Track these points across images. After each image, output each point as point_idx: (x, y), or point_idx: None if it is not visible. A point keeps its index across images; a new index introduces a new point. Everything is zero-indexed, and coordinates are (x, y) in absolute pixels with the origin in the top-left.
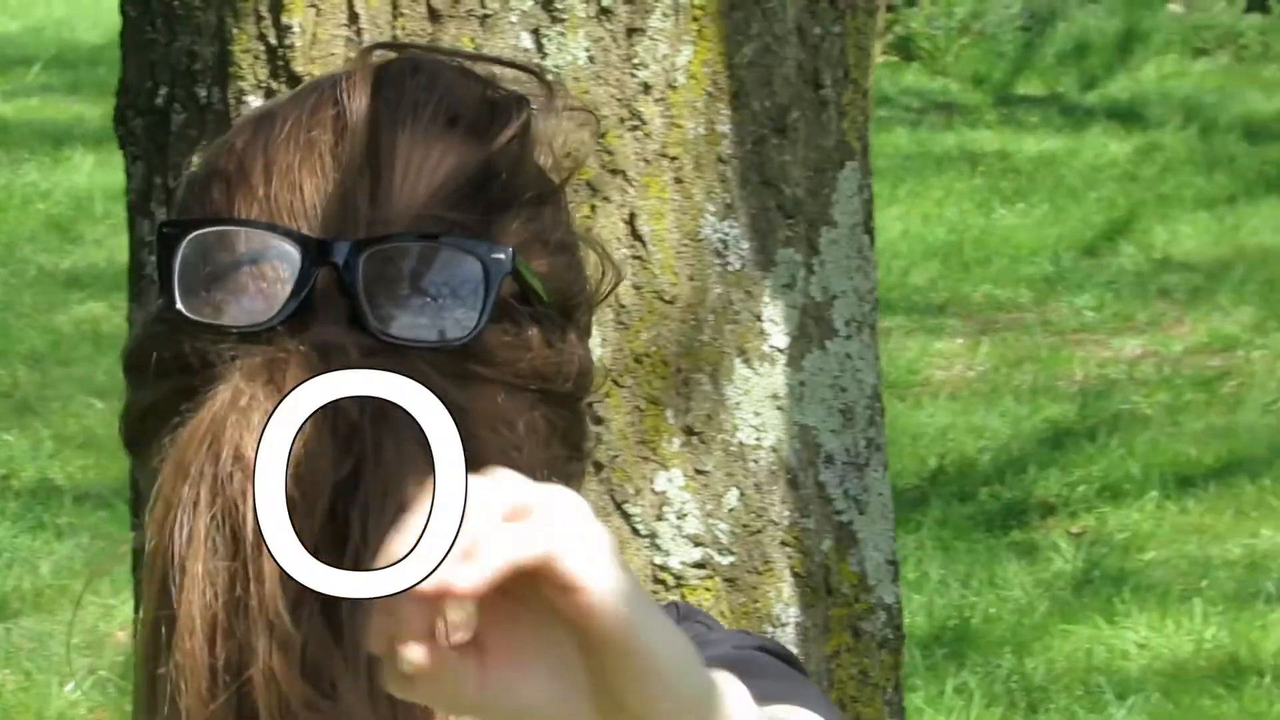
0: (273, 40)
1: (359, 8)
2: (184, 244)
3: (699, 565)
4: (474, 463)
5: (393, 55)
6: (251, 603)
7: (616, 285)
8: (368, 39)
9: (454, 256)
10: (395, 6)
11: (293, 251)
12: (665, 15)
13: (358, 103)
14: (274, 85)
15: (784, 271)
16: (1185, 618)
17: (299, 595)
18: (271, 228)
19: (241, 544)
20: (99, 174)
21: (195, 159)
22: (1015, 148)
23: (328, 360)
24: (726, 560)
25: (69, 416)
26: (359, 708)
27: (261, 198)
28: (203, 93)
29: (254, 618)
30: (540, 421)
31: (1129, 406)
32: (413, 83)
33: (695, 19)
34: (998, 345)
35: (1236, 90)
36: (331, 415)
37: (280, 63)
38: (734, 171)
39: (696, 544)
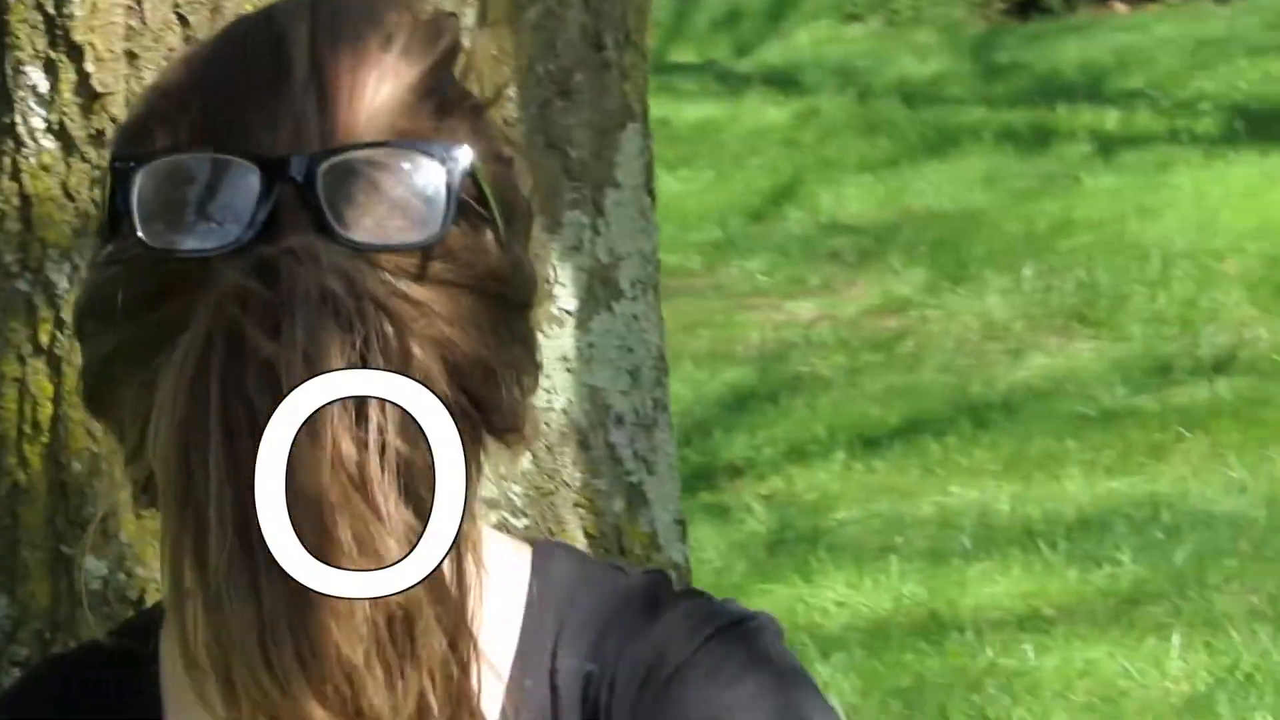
0: (50, 9)
1: None
2: (138, 177)
3: (495, 529)
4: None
5: None
6: (289, 491)
7: (534, 197)
8: (148, 9)
9: (412, 159)
10: None
11: (250, 172)
12: None
13: (296, 30)
14: (53, 55)
15: (571, 234)
16: (882, 575)
17: (332, 474)
18: (226, 151)
19: (262, 433)
20: None
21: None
22: (674, 115)
23: (304, 259)
24: (521, 523)
25: None
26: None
27: (208, 124)
28: None
29: (292, 505)
30: (502, 325)
31: (808, 369)
32: (346, 8)
33: None
34: (672, 311)
35: (890, 55)
36: (329, 302)
37: (59, 32)
38: (520, 135)
39: (491, 507)
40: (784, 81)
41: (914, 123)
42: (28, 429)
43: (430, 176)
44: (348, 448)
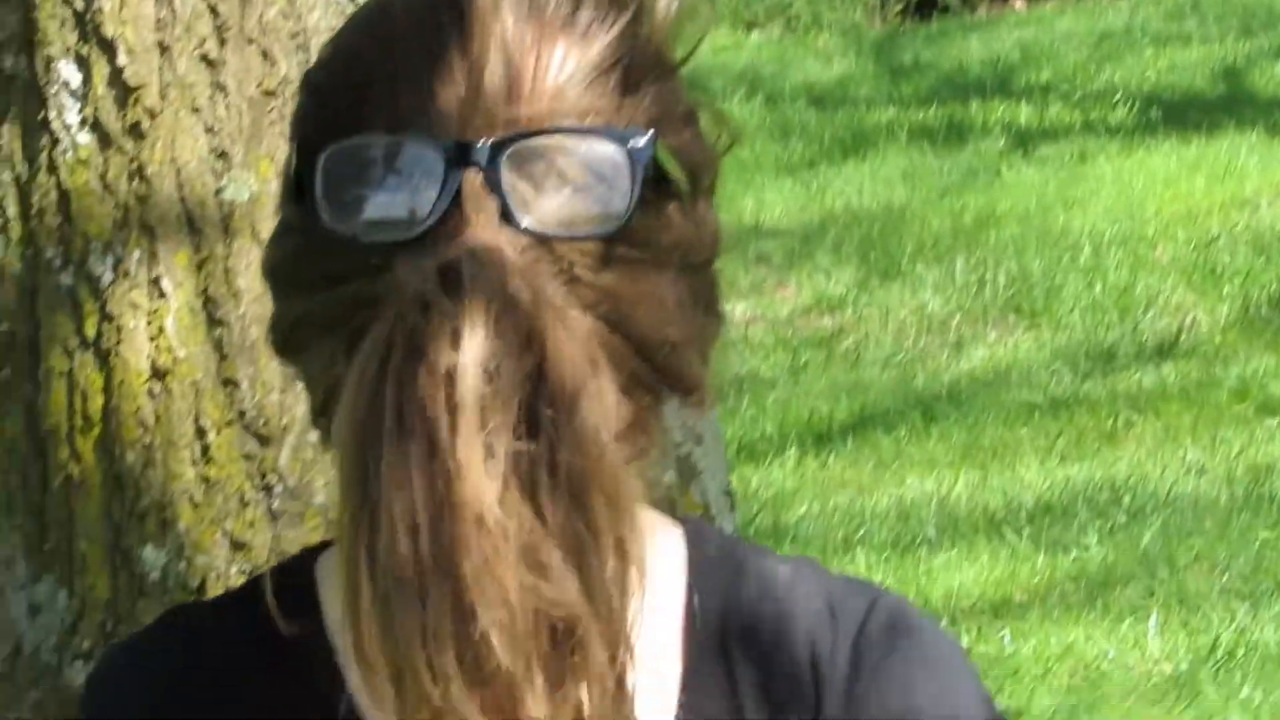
0: (79, 5)
1: None
2: (324, 157)
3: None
4: (633, 342)
5: None
6: (456, 499)
7: (732, 145)
8: (178, 0)
9: (595, 145)
10: None
11: (434, 156)
12: None
13: (481, 2)
14: (84, 50)
15: None
16: (850, 568)
17: (504, 485)
18: (412, 135)
19: (438, 447)
20: None
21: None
22: None
23: (486, 263)
24: None
25: None
26: (570, 585)
27: (393, 105)
28: (9, 62)
29: (460, 515)
30: (685, 293)
31: (748, 369)
32: None
33: None
34: None
35: (794, 60)
36: (509, 314)
37: (90, 26)
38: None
39: None
40: (690, 89)
41: (826, 125)
42: (79, 422)
43: (612, 160)
44: (519, 458)
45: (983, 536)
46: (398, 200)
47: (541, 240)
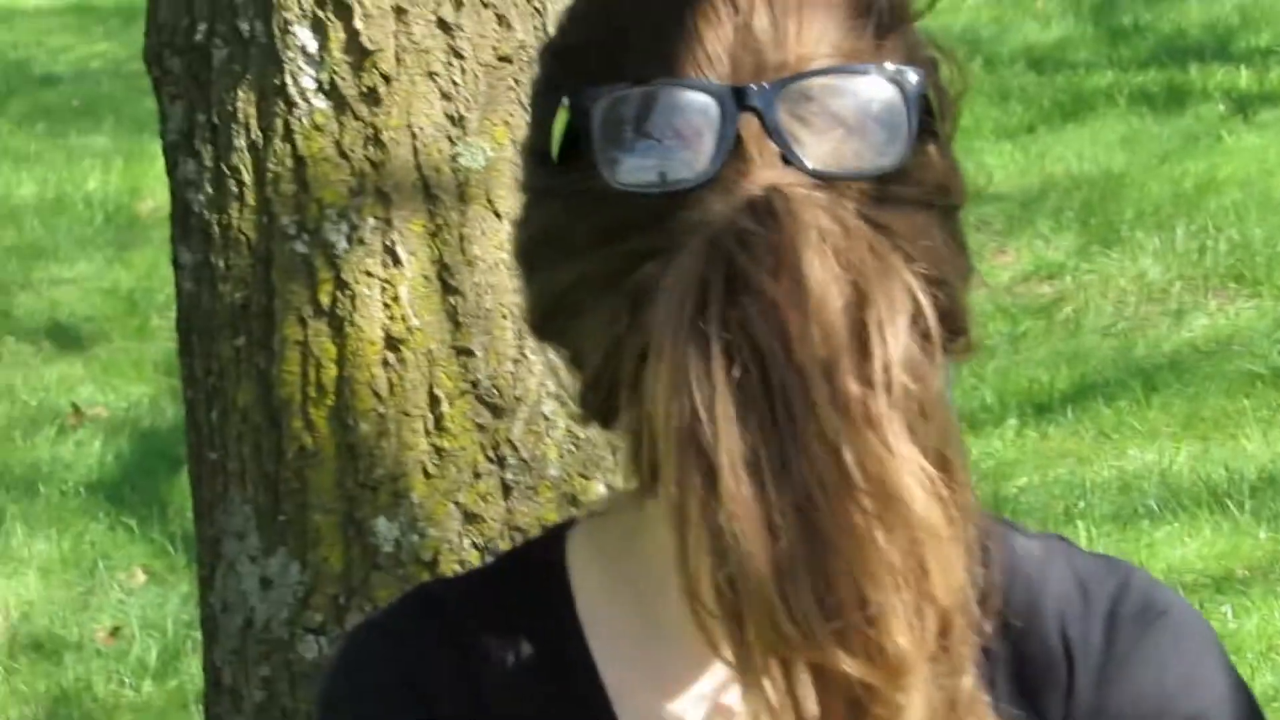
0: None
1: None
2: (599, 108)
3: None
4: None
5: None
6: (802, 431)
7: (966, 90)
8: None
9: (865, 81)
10: None
11: (709, 102)
12: None
13: None
14: (320, 14)
15: None
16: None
17: (845, 411)
18: (688, 82)
19: (774, 379)
20: None
21: (556, 31)
22: None
23: (791, 197)
24: None
25: None
26: (922, 504)
27: (661, 54)
28: (245, 26)
29: (805, 444)
30: (948, 235)
31: None
32: None
33: None
34: None
35: (1012, 22)
36: (825, 243)
37: None
38: None
39: None
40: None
41: (1045, 88)
42: (312, 392)
43: (884, 98)
44: (854, 387)
45: (1205, 509)
46: (677, 148)
47: (826, 179)
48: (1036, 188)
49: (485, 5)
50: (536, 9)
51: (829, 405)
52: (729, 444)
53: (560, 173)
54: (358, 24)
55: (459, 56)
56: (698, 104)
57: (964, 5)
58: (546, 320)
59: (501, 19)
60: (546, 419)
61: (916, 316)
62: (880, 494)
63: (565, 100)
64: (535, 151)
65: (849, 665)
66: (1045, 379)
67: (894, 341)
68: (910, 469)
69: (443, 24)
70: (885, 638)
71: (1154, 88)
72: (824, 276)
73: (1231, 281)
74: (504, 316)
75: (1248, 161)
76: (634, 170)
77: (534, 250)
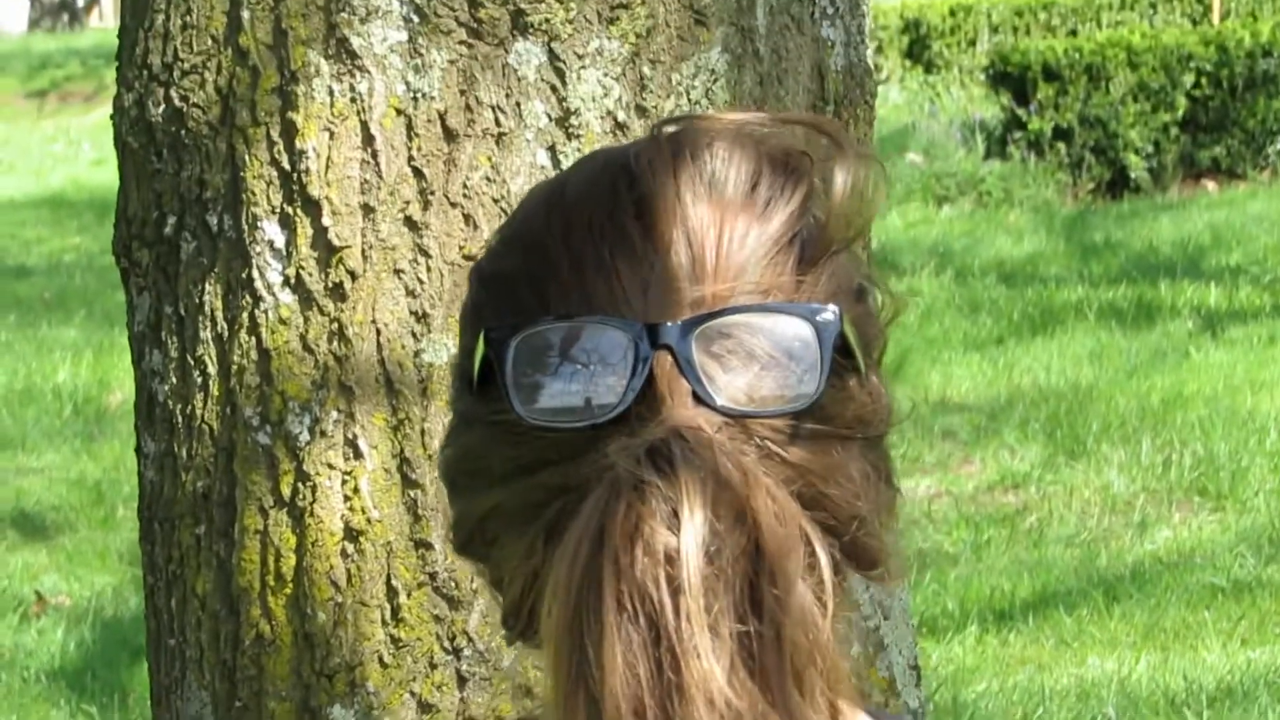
0: (286, 165)
1: (374, 130)
2: (512, 347)
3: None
4: (826, 519)
5: (679, 128)
6: (686, 682)
7: (897, 316)
8: (383, 161)
9: (781, 322)
10: (410, 128)
11: (623, 339)
12: None
13: (660, 182)
14: (289, 210)
15: None
16: None
17: (731, 665)
18: (601, 320)
19: (663, 629)
20: None
21: (485, 254)
22: None
23: (694, 442)
24: None
25: None
26: None
27: (579, 290)
28: (214, 220)
29: (690, 697)
30: (868, 466)
31: (931, 544)
32: (710, 155)
33: None
34: None
35: (984, 236)
36: (723, 493)
37: (295, 187)
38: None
39: None
40: (881, 263)
41: (1015, 302)
42: (271, 581)
43: (800, 337)
44: (744, 638)
45: (1162, 718)
46: (590, 385)
47: (735, 418)
48: (1004, 399)
49: (452, 205)
50: (503, 210)
51: (713, 660)
52: (613, 689)
53: (480, 400)
54: (326, 220)
55: (425, 254)
56: (610, 341)
57: (936, 218)
58: (468, 542)
59: (468, 218)
60: None
61: (812, 566)
62: None
63: (481, 335)
64: (461, 373)
65: None
66: (1007, 587)
67: (786, 593)
68: None
69: (410, 222)
70: None
71: (1124, 303)
72: (719, 526)
73: (1196, 495)
74: (446, 512)
75: (1215, 377)
76: (558, 395)
77: (455, 473)
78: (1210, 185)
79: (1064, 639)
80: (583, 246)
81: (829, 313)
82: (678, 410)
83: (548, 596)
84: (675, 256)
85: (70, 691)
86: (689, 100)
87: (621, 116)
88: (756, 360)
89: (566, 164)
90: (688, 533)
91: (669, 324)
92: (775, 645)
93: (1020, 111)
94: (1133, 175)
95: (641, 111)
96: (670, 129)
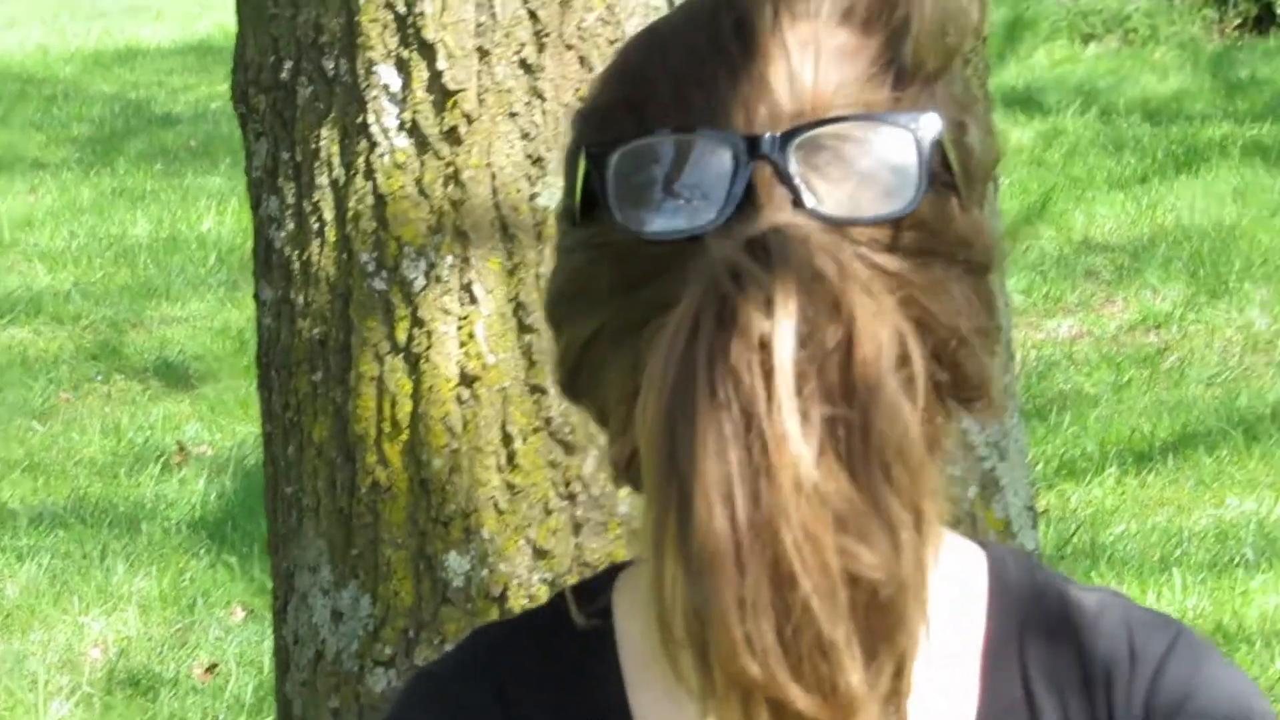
0: (401, 9)
1: None
2: (612, 162)
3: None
4: (922, 328)
5: None
6: (775, 465)
7: (999, 159)
8: (498, 4)
9: (879, 130)
10: None
11: (723, 150)
12: None
13: (760, 6)
14: (404, 54)
15: None
16: (1166, 588)
17: (820, 450)
18: (700, 132)
19: (754, 415)
20: (1, 203)
21: (590, 87)
22: None
23: (792, 237)
24: None
25: (10, 441)
26: (888, 553)
27: (678, 106)
28: (330, 65)
29: (779, 481)
30: (970, 291)
31: (1072, 386)
32: None
33: None
34: None
35: (1130, 74)
36: (819, 284)
37: (411, 30)
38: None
39: None
40: (1025, 102)
41: (1160, 140)
42: (387, 427)
43: (898, 147)
44: (834, 425)
45: None
46: (688, 193)
47: (835, 224)
48: (1147, 238)
49: (568, 47)
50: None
51: (802, 443)
52: (704, 474)
53: (582, 227)
54: (441, 64)
55: (540, 98)
56: (712, 153)
57: (1082, 56)
58: (573, 376)
59: (583, 60)
60: None
61: (903, 360)
62: (844, 533)
63: (583, 155)
64: (565, 212)
65: (802, 702)
66: (1147, 428)
67: (876, 385)
68: (881, 520)
69: (525, 65)
70: (839, 675)
71: (1269, 140)
72: (813, 315)
73: None
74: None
75: None
76: (643, 218)
77: (559, 305)
78: None
79: (1203, 480)
80: (683, 67)
81: (929, 125)
82: (777, 215)
83: (643, 390)
84: (775, 73)
85: (211, 541)
86: None
87: None
88: (856, 171)
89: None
90: (782, 319)
91: (768, 135)
92: (863, 434)
93: None
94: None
95: None
96: None
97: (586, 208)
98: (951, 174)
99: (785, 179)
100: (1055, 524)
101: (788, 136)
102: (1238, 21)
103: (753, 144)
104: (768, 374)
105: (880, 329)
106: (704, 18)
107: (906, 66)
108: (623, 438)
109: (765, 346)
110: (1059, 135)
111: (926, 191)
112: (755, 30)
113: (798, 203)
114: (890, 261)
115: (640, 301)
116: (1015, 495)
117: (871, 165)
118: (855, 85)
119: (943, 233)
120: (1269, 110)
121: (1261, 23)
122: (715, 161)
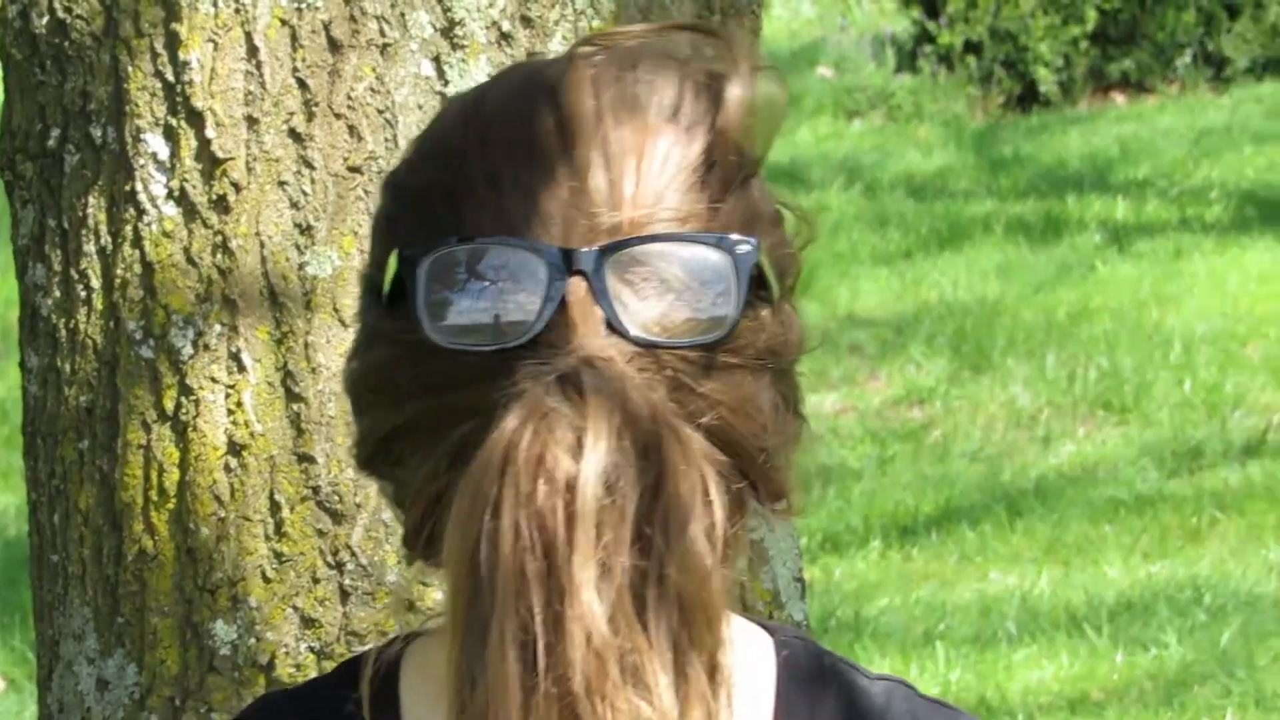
0: (170, 77)
1: (258, 41)
2: (425, 267)
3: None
4: (729, 448)
5: (600, 47)
6: (568, 615)
7: (810, 241)
8: (268, 72)
9: (698, 251)
10: (295, 38)
11: (538, 263)
12: (565, 39)
13: (580, 103)
14: (172, 122)
15: None
16: (929, 662)
17: (617, 600)
18: (517, 243)
19: (555, 561)
20: None
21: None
22: None
23: (605, 374)
24: None
25: None
26: (671, 705)
27: (495, 210)
28: (97, 133)
29: (570, 631)
30: (777, 397)
31: (836, 460)
32: (632, 78)
33: None
34: None
35: (894, 150)
36: (631, 426)
37: (179, 99)
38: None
39: None
40: (790, 178)
41: (924, 215)
42: (154, 496)
43: (715, 267)
44: (632, 574)
45: (1063, 633)
46: (499, 302)
47: (647, 347)
48: (911, 313)
49: (337, 116)
50: (388, 121)
51: (595, 596)
52: (503, 621)
53: (389, 316)
54: (210, 133)
55: (309, 166)
56: (526, 264)
57: (846, 132)
58: (370, 460)
59: (353, 130)
60: (386, 526)
61: (707, 508)
62: (635, 685)
63: (394, 249)
64: (370, 285)
65: None
66: (911, 502)
67: (679, 534)
68: (665, 664)
69: (294, 134)
70: None
71: (1031, 217)
72: (621, 461)
73: (1100, 409)
74: (347, 424)
75: (1121, 291)
76: (466, 312)
77: (361, 388)
78: (1119, 98)
79: (967, 554)
80: (500, 164)
81: (746, 244)
82: (589, 338)
83: (449, 523)
84: (594, 180)
85: None
86: (574, 9)
87: (506, 27)
88: (671, 289)
89: (451, 75)
90: (589, 460)
91: (584, 250)
92: (659, 585)
93: (931, 25)
94: (1042, 89)
95: (526, 22)
96: (590, 48)
97: (394, 299)
98: (767, 286)
99: (599, 297)
100: (819, 597)
101: (605, 252)
102: (1001, 99)
103: (569, 257)
104: (570, 519)
105: (686, 477)
106: (526, 110)
107: (727, 171)
108: (419, 532)
109: (571, 489)
110: (823, 211)
111: (744, 311)
112: (576, 132)
113: (611, 325)
114: (703, 385)
115: (446, 406)
116: (784, 566)
117: (688, 283)
118: (676, 195)
119: (753, 345)
120: (1032, 187)
121: (1024, 101)
122: (529, 275)
